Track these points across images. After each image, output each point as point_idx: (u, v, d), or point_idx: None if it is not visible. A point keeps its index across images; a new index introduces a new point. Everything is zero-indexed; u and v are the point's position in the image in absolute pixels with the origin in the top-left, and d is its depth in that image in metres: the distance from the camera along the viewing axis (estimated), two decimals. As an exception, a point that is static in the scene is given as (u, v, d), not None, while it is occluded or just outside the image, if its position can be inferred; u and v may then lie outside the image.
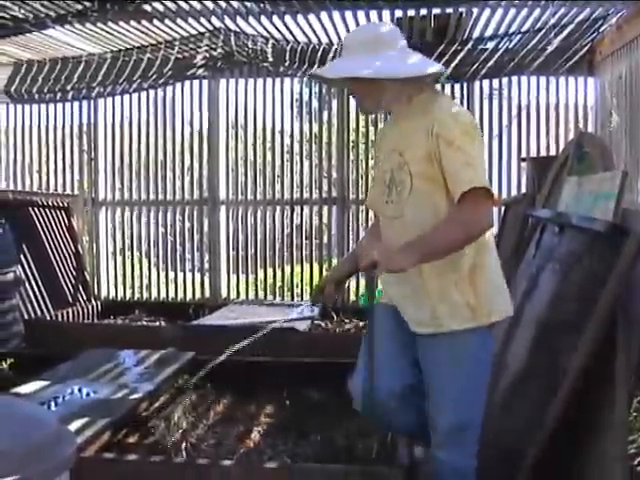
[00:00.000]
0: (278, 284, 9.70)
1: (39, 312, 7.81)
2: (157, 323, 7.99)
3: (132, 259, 10.02)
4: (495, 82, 8.99)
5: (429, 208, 2.82)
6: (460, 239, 2.73)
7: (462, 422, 2.85)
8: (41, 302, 7.94)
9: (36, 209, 8.57)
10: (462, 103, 9.08)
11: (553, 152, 8.52)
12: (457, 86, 9.05)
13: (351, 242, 9.49)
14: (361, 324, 7.33)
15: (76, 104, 9.95)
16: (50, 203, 8.89)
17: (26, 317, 7.34)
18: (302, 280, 10.45)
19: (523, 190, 8.12)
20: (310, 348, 6.22)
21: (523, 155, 8.68)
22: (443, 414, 2.86)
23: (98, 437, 3.91)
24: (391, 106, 3.02)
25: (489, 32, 7.79)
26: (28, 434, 2.25)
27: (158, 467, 3.42)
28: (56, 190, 10.05)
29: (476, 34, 7.92)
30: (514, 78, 8.93)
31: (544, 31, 7.53)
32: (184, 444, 4.13)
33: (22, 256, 7.86)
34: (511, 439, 3.40)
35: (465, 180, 2.69)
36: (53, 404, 4.36)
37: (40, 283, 8.05)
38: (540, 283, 4.10)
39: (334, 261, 9.49)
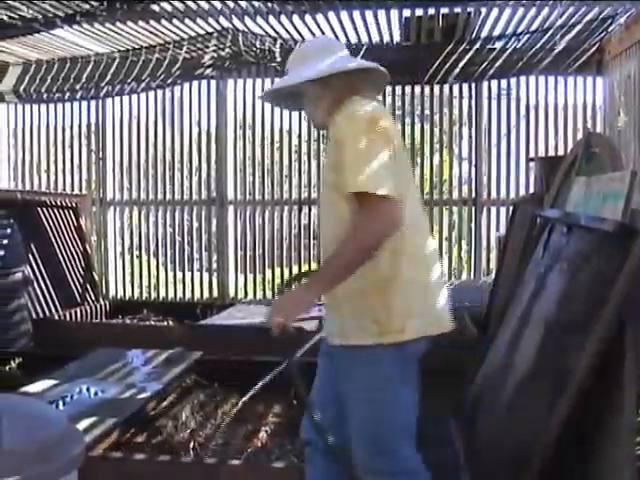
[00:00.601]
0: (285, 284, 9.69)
1: (47, 312, 7.83)
2: (165, 323, 7.99)
3: (140, 259, 10.04)
4: (503, 82, 8.97)
5: (335, 218, 2.75)
6: (355, 256, 2.58)
7: (372, 450, 2.77)
8: (49, 302, 7.96)
9: (44, 209, 8.58)
10: (470, 103, 9.08)
11: (561, 152, 8.51)
12: (465, 86, 9.04)
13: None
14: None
15: (84, 104, 9.98)
16: (58, 203, 8.91)
17: (34, 317, 7.36)
18: (310, 280, 10.45)
19: (531, 190, 8.11)
20: (318, 348, 6.21)
21: (531, 155, 8.67)
22: (355, 441, 2.80)
23: (106, 436, 3.92)
24: (330, 114, 2.85)
25: (497, 32, 7.78)
26: (37, 433, 2.26)
27: (166, 466, 3.42)
28: (64, 190, 10.07)
29: (484, 34, 7.90)
30: (522, 78, 8.92)
31: (552, 30, 7.51)
32: (192, 443, 4.13)
33: (30, 256, 7.88)
34: (518, 440, 3.40)
35: (350, 183, 2.55)
36: (61, 403, 4.37)
37: (48, 283, 8.06)
38: (548, 283, 4.09)
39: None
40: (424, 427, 4.15)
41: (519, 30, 7.63)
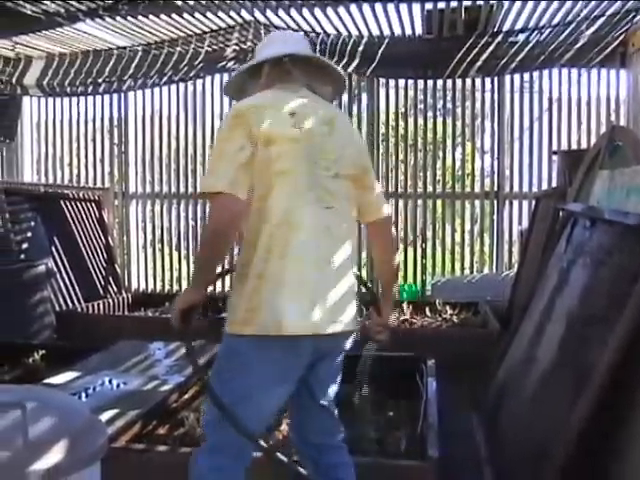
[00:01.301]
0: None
1: (70, 304, 7.88)
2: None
3: (162, 252, 10.08)
4: (526, 75, 8.93)
5: None
6: (202, 250, 2.81)
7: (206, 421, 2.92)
8: (72, 294, 8.01)
9: (67, 202, 8.63)
10: (492, 97, 9.04)
11: (584, 145, 8.46)
12: (487, 79, 9.01)
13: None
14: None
15: (107, 97, 10.02)
16: (81, 196, 8.96)
17: (57, 309, 7.41)
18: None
19: (554, 184, 8.08)
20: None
21: (554, 148, 8.63)
22: None
23: (128, 428, 3.94)
24: None
25: (520, 25, 7.73)
26: (62, 424, 2.28)
27: (188, 458, 3.43)
28: (87, 183, 10.13)
29: (507, 27, 7.86)
30: (545, 71, 8.87)
31: (575, 23, 7.46)
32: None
33: (54, 249, 7.94)
34: (540, 435, 3.39)
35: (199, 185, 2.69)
36: (84, 395, 4.40)
37: (71, 275, 8.11)
38: (571, 277, 4.08)
39: (363, 254, 9.48)
40: (446, 421, 4.16)
41: (542, 23, 7.58)
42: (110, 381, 4.60)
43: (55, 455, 2.15)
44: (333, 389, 3.07)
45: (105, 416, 3.89)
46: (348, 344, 2.99)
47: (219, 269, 3.11)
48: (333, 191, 2.87)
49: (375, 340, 3.34)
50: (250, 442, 2.76)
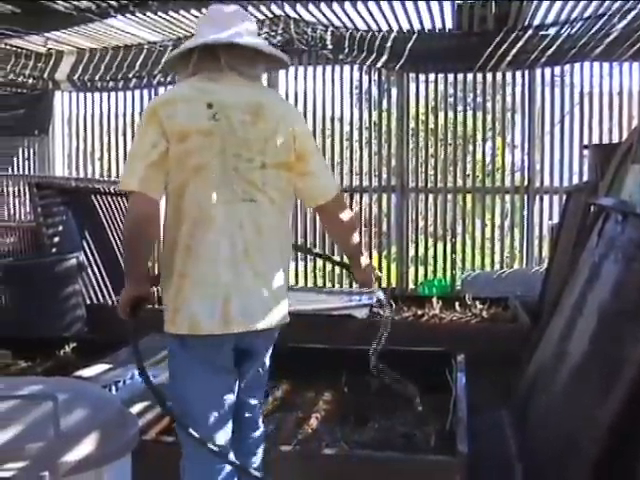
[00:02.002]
0: (337, 271, 9.71)
1: (101, 297, 7.92)
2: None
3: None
4: (557, 69, 8.87)
5: None
6: (123, 249, 2.98)
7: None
8: (103, 287, 8.06)
9: (98, 196, 8.68)
10: (523, 90, 8.99)
11: (616, 139, 8.38)
12: (518, 73, 8.95)
13: (410, 230, 9.47)
14: (420, 312, 7.29)
15: (137, 92, 10.07)
16: (112, 190, 9.01)
17: (88, 302, 7.46)
18: (360, 268, 10.46)
19: (585, 178, 8.02)
20: (368, 335, 6.22)
21: (585, 143, 8.56)
22: None
23: (158, 420, 3.96)
24: None
25: (551, 18, 7.67)
26: (94, 416, 2.30)
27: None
28: (118, 177, 10.18)
29: (537, 21, 7.80)
30: (576, 65, 8.80)
31: (607, 16, 7.38)
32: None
33: (85, 242, 7.99)
34: (571, 430, 3.36)
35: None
36: (114, 388, 4.43)
37: (102, 269, 8.16)
38: (602, 272, 4.05)
39: (393, 249, 9.47)
40: (475, 417, 4.15)
41: (573, 16, 7.51)
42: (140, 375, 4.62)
43: (86, 447, 2.17)
44: (259, 385, 3.14)
45: (135, 409, 3.91)
46: (271, 341, 3.05)
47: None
48: (258, 183, 2.84)
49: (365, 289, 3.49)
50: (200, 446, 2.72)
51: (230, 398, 2.91)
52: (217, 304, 2.75)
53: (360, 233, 3.36)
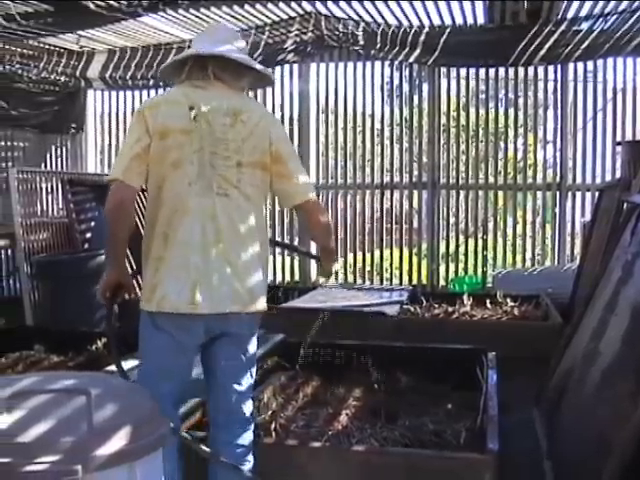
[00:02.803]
0: (367, 268, 9.72)
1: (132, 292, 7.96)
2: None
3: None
4: (590, 64, 8.79)
5: None
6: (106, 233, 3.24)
7: None
8: (134, 283, 8.09)
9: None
10: (555, 86, 8.93)
11: (650, 136, 8.32)
12: (550, 69, 8.89)
13: (441, 227, 9.44)
14: (450, 309, 7.28)
15: (168, 90, 10.09)
16: (143, 186, 9.04)
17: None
18: (391, 264, 10.47)
19: (618, 175, 7.95)
20: (399, 332, 6.22)
21: (618, 139, 8.48)
22: None
23: (189, 416, 3.99)
24: None
25: (584, 12, 7.60)
26: (126, 411, 2.32)
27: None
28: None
29: (570, 15, 7.73)
30: (609, 60, 8.72)
31: (642, 11, 7.31)
32: (273, 425, 4.17)
33: (116, 238, 8.03)
34: (603, 429, 3.34)
35: None
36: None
37: (133, 264, 8.20)
38: (635, 270, 4.02)
39: (424, 246, 9.45)
40: (506, 415, 4.13)
41: (606, 11, 7.44)
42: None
43: (119, 441, 2.18)
44: (240, 371, 3.26)
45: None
46: (246, 326, 3.20)
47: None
48: (233, 180, 3.11)
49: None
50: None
51: (187, 379, 3.18)
52: (186, 285, 3.01)
53: (333, 233, 3.60)
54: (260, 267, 3.19)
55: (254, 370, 3.36)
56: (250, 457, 3.24)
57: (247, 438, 3.25)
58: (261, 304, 3.19)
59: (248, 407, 3.28)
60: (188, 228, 3.04)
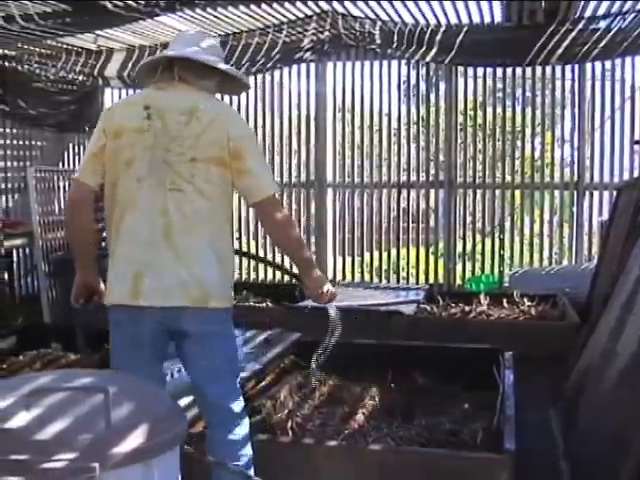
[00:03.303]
0: (384, 267, 9.71)
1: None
2: (264, 304, 8.07)
3: (240, 241, 10.16)
4: (607, 63, 8.75)
5: None
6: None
7: None
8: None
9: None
10: (573, 85, 8.89)
11: (668, 135, 8.27)
12: (567, 68, 8.85)
13: (458, 226, 9.43)
14: (467, 308, 7.26)
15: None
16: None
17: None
18: (408, 263, 10.46)
19: (636, 174, 7.92)
20: (416, 331, 6.22)
21: (636, 138, 8.45)
22: None
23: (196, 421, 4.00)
24: None
25: (602, 11, 7.56)
26: (143, 409, 2.33)
27: (263, 445, 3.47)
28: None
29: (588, 13, 7.69)
30: (627, 58, 8.67)
31: (660, 10, 7.26)
32: (290, 424, 4.18)
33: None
34: (621, 429, 3.33)
35: None
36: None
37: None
38: (654, 270, 4.00)
39: (440, 245, 9.44)
40: (523, 414, 4.12)
41: (625, 9, 7.40)
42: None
43: (136, 439, 2.19)
44: (213, 371, 3.23)
45: (183, 402, 3.95)
46: (203, 324, 3.14)
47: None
48: (186, 175, 3.11)
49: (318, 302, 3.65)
50: None
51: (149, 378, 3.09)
52: (129, 278, 3.09)
53: (304, 244, 3.66)
54: (217, 264, 3.15)
55: (234, 368, 3.35)
56: (246, 450, 3.23)
57: (239, 433, 3.24)
58: (217, 301, 3.13)
59: (234, 404, 3.25)
60: (136, 223, 3.13)
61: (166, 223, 3.08)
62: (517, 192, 9.36)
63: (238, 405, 3.27)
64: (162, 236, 3.08)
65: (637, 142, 7.74)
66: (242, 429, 3.26)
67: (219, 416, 3.25)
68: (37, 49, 8.77)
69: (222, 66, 3.35)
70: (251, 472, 3.15)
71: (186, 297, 3.06)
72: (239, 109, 9.96)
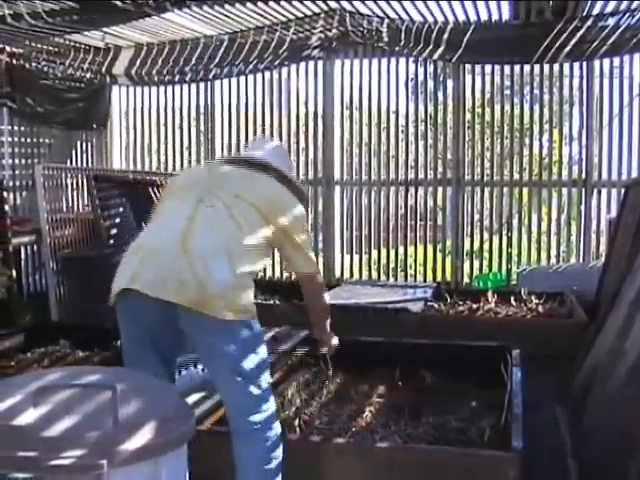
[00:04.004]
0: (392, 265, 9.70)
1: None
2: (272, 301, 8.06)
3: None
4: (616, 60, 8.72)
5: None
6: None
7: None
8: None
9: (155, 188, 8.77)
10: (581, 82, 8.87)
11: (677, 132, 8.24)
12: (576, 65, 8.82)
13: (465, 224, 9.41)
14: (474, 306, 7.25)
15: (193, 86, 10.15)
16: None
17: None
18: (415, 261, 10.45)
19: (644, 171, 7.91)
20: (423, 329, 6.22)
21: (644, 135, 8.42)
22: None
23: (213, 411, 4.00)
24: None
25: (610, 8, 7.54)
26: (151, 406, 2.33)
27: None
28: (174, 170, 10.28)
29: (596, 10, 7.67)
30: (636, 56, 8.64)
31: (669, 6, 7.24)
32: (297, 421, 4.18)
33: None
34: (629, 428, 3.32)
35: None
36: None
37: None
38: (662, 268, 3.99)
39: (448, 242, 9.43)
40: (530, 412, 4.12)
41: (633, 6, 7.38)
42: (195, 365, 4.66)
43: (144, 437, 2.20)
44: (228, 388, 3.24)
45: (190, 399, 3.95)
46: (200, 329, 3.12)
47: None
48: (225, 200, 3.30)
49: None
50: None
51: (154, 368, 3.17)
52: (132, 265, 3.21)
53: (328, 310, 3.99)
54: (231, 277, 3.11)
55: (247, 380, 3.17)
56: (269, 433, 3.22)
57: (255, 448, 3.19)
58: (216, 310, 3.02)
59: (250, 417, 3.18)
60: (157, 222, 3.42)
61: (188, 228, 3.17)
62: (525, 190, 9.34)
63: (255, 417, 3.18)
64: (180, 238, 3.13)
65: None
66: (257, 444, 3.19)
67: (232, 426, 3.24)
68: (45, 47, 8.79)
69: (278, 167, 3.63)
70: None
71: (183, 295, 3.02)
72: (247, 105, 9.97)
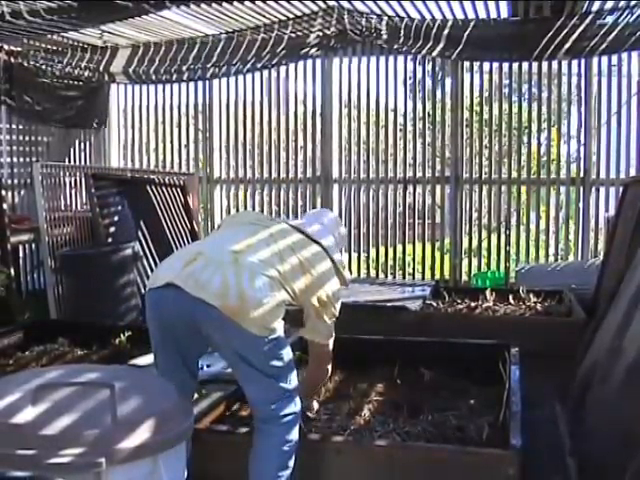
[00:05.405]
0: (390, 263, 9.70)
1: (156, 287, 7.99)
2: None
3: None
4: (614, 58, 8.71)
5: None
6: None
7: None
8: (158, 277, 8.12)
9: (153, 187, 8.76)
10: (579, 80, 8.87)
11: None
12: (574, 63, 8.82)
13: (464, 222, 9.41)
14: (473, 304, 7.25)
15: (192, 84, 10.15)
16: (167, 181, 9.09)
17: (143, 291, 7.54)
18: (414, 259, 10.45)
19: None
20: (421, 327, 6.21)
21: (643, 133, 8.42)
22: None
23: (213, 409, 4.00)
24: None
25: (609, 5, 7.53)
26: (150, 404, 2.33)
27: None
28: (172, 168, 10.30)
29: (595, 7, 7.66)
30: (634, 54, 8.64)
31: (668, 3, 7.23)
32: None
33: (140, 232, 8.08)
34: (628, 426, 3.32)
35: None
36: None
37: (157, 259, 8.24)
38: (660, 265, 3.99)
39: (446, 241, 9.43)
40: (529, 410, 4.12)
41: (632, 3, 7.37)
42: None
43: (142, 434, 2.20)
44: (253, 390, 3.33)
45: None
46: (221, 334, 3.18)
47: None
48: (277, 239, 3.50)
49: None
50: None
51: (176, 376, 3.11)
52: (180, 261, 3.30)
53: (326, 379, 4.32)
54: (268, 291, 3.22)
55: (269, 393, 3.31)
56: (287, 428, 3.33)
57: (281, 409, 3.31)
58: (245, 322, 3.11)
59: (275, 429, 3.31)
60: (212, 236, 3.80)
61: (247, 241, 3.40)
62: (523, 188, 9.35)
63: (278, 407, 3.31)
64: (236, 250, 3.31)
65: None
66: (287, 407, 3.33)
67: (255, 415, 3.37)
68: (43, 45, 8.78)
69: (321, 241, 3.74)
70: None
71: (213, 296, 3.09)
72: (245, 104, 9.97)
